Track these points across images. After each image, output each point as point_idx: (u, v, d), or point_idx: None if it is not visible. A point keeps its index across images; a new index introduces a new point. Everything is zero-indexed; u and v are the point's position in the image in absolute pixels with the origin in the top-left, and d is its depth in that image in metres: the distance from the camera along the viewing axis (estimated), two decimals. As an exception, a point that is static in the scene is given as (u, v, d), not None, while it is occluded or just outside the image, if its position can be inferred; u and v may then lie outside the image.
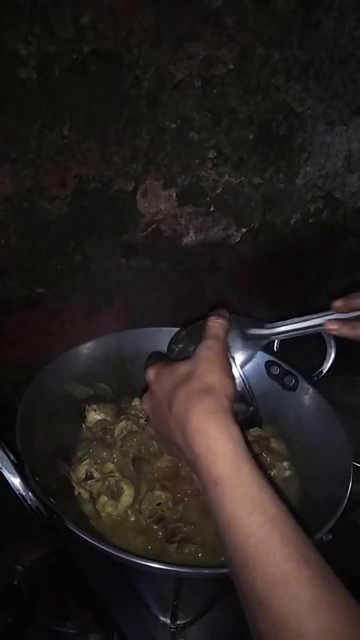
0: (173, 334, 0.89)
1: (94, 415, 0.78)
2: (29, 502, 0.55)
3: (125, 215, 0.83)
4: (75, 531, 0.53)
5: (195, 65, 0.76)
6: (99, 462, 0.71)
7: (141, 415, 0.79)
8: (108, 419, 0.78)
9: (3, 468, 0.55)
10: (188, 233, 0.94)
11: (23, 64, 0.62)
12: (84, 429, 0.78)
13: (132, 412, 0.79)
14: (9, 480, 0.55)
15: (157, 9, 0.68)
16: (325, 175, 1.10)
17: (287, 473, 0.75)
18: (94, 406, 0.79)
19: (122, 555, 0.52)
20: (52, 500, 0.55)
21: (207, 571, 0.52)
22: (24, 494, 0.55)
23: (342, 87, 0.98)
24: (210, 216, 0.95)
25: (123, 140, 0.75)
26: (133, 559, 0.52)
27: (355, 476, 0.64)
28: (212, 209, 0.94)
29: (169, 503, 0.67)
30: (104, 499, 0.66)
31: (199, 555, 0.62)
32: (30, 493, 0.55)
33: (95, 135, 0.72)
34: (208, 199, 0.92)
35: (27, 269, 0.78)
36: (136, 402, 0.82)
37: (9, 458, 0.55)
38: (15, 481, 0.55)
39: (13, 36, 0.60)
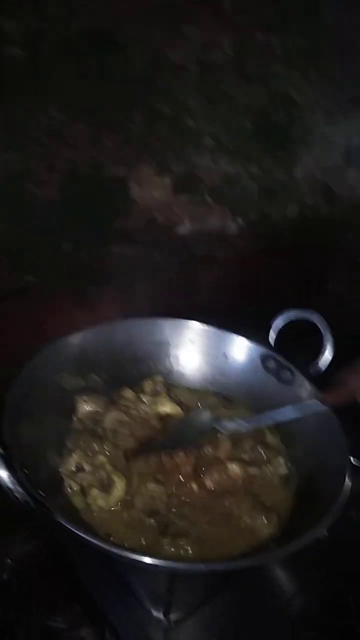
0: (165, 325, 0.88)
1: (85, 407, 0.76)
2: (17, 496, 0.54)
3: (117, 202, 0.81)
4: (65, 524, 0.51)
5: (191, 48, 0.75)
6: (89, 454, 0.69)
7: (132, 405, 0.77)
8: (99, 410, 0.76)
9: (-11, 460, 0.53)
10: (183, 222, 0.92)
11: (8, 41, 0.60)
12: (75, 421, 0.76)
13: (123, 402, 0.78)
14: (-4, 473, 0.53)
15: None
16: (324, 168, 1.08)
17: (284, 469, 0.74)
18: (85, 397, 0.77)
19: (113, 549, 0.50)
20: (41, 493, 0.53)
21: (200, 566, 0.51)
22: (11, 487, 0.53)
23: (342, 77, 0.97)
24: (205, 206, 0.93)
25: (115, 124, 0.73)
26: (125, 553, 0.50)
27: (351, 471, 0.63)
28: (208, 198, 0.92)
29: (163, 496, 0.66)
30: (95, 491, 0.65)
31: (193, 549, 0.61)
32: (18, 486, 0.53)
33: (85, 118, 0.70)
34: (204, 187, 0.90)
35: (15, 256, 0.76)
36: (126, 392, 0.80)
37: (-4, 450, 0.54)
38: (3, 474, 0.53)
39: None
